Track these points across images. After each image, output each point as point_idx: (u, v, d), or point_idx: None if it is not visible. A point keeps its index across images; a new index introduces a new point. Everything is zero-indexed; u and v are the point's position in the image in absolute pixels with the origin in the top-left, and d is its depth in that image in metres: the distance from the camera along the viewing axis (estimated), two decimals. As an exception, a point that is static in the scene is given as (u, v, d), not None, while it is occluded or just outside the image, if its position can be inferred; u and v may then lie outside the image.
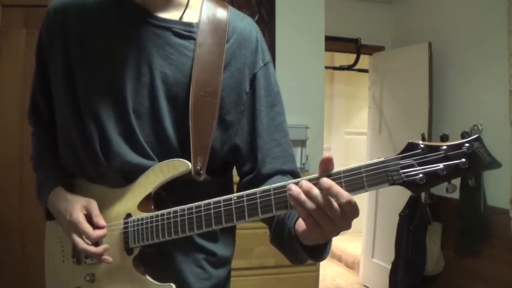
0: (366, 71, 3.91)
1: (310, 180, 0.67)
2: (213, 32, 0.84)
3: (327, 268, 4.24)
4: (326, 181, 0.64)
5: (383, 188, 0.64)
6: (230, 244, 0.94)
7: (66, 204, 0.83)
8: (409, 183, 0.63)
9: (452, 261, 2.97)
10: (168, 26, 0.83)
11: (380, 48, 3.73)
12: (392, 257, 3.18)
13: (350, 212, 0.64)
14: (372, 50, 3.71)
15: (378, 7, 3.64)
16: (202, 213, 0.75)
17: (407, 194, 3.15)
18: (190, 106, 0.80)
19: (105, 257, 0.81)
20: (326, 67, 3.21)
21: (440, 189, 2.77)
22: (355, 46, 3.58)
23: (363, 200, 3.92)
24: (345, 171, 0.65)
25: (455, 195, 2.85)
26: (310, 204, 0.64)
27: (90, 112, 0.81)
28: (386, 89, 3.62)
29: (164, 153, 0.82)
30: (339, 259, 4.51)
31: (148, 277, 0.81)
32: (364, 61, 3.81)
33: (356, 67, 3.80)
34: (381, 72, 3.67)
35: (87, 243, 0.80)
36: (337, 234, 0.68)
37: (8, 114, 2.33)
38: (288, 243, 0.77)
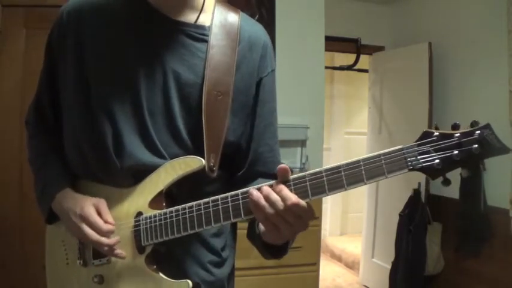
0: (366, 71, 3.91)
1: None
2: (225, 35, 0.86)
3: (327, 268, 4.24)
4: (278, 185, 0.70)
5: (402, 174, 0.68)
6: (232, 245, 0.97)
7: (75, 201, 0.84)
8: (427, 169, 0.66)
9: (452, 261, 2.97)
10: (181, 29, 0.85)
11: (380, 48, 3.73)
12: (392, 257, 3.18)
13: (301, 213, 0.69)
14: (372, 50, 3.71)
15: (378, 7, 3.64)
16: (220, 207, 0.76)
17: (407, 194, 3.15)
18: (203, 105, 0.82)
19: (118, 251, 0.81)
20: (326, 67, 3.21)
21: (440, 189, 2.75)
22: (355, 46, 3.58)
23: (363, 200, 3.92)
24: (364, 160, 0.68)
25: (455, 195, 2.85)
26: (268, 210, 0.70)
27: (103, 112, 0.82)
28: (386, 89, 3.62)
29: (177, 152, 0.83)
30: (339, 259, 4.51)
31: (162, 275, 0.81)
32: (364, 61, 3.80)
33: (356, 67, 3.80)
34: (380, 72, 3.67)
35: (99, 235, 0.80)
36: (294, 235, 0.74)
37: (8, 114, 2.32)
38: (256, 240, 0.82)
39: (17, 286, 2.30)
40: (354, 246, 4.37)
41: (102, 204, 0.83)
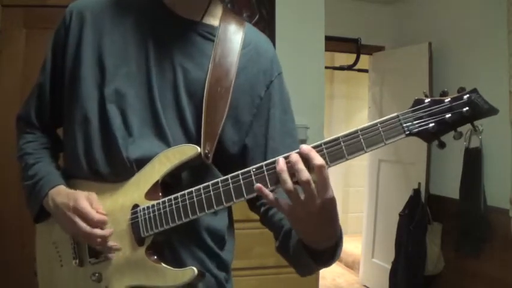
0: (366, 71, 3.91)
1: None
2: (231, 38, 0.91)
3: (327, 268, 4.24)
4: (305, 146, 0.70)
5: (400, 139, 0.70)
6: (232, 249, 0.97)
7: (68, 196, 0.84)
8: (422, 132, 0.70)
9: (452, 261, 2.97)
10: (192, 27, 0.89)
11: (380, 48, 3.73)
12: (392, 257, 3.18)
13: (321, 179, 0.68)
14: (372, 50, 3.71)
15: (378, 7, 3.64)
16: (221, 189, 0.76)
17: (407, 194, 3.15)
18: (205, 95, 0.85)
19: (111, 242, 0.81)
20: (326, 67, 3.20)
21: (440, 189, 2.75)
22: (355, 46, 3.58)
23: (363, 200, 3.92)
24: (361, 129, 0.70)
25: (455, 195, 2.85)
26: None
27: (117, 106, 0.84)
28: (386, 89, 3.62)
29: (183, 142, 0.84)
30: (339, 259, 4.50)
31: (164, 265, 0.81)
32: (364, 61, 3.80)
33: (356, 67, 3.80)
34: (381, 72, 3.67)
35: (92, 227, 0.80)
36: (305, 216, 0.70)
37: (8, 114, 2.32)
38: (294, 251, 0.81)
39: (18, 286, 2.30)
40: (354, 246, 4.38)
41: (93, 196, 0.84)
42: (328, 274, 4.08)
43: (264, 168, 0.73)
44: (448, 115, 0.69)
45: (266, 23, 2.76)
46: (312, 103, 2.86)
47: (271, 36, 2.77)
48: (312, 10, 2.86)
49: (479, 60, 2.85)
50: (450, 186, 2.95)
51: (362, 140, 0.70)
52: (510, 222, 2.56)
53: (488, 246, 2.70)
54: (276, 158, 0.72)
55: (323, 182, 0.68)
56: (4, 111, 2.35)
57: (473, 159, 2.73)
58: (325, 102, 3.09)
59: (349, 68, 3.87)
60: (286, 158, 0.71)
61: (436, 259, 3.01)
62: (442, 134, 0.70)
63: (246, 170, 0.74)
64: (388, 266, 3.22)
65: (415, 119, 0.70)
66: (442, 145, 0.71)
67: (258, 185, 0.71)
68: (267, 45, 0.97)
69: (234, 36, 0.91)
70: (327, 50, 3.00)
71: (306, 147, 0.70)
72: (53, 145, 0.98)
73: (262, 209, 0.91)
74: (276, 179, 0.71)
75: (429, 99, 0.71)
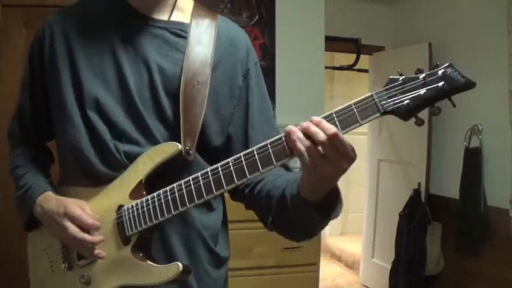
0: (366, 71, 3.91)
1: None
2: (204, 31, 0.91)
3: (327, 268, 4.24)
4: (315, 118, 0.68)
5: (375, 119, 0.70)
6: (227, 245, 0.98)
7: (58, 202, 0.85)
8: (398, 110, 0.69)
9: (452, 261, 2.97)
10: (164, 27, 0.89)
11: (380, 48, 3.73)
12: (392, 257, 3.18)
13: (340, 146, 0.67)
14: (372, 50, 3.71)
15: (378, 7, 3.64)
16: (201, 182, 0.76)
17: (407, 194, 3.15)
18: (181, 92, 0.85)
19: (97, 251, 0.82)
20: (326, 67, 3.21)
21: (440, 189, 2.75)
22: (355, 46, 3.58)
23: (363, 200, 3.92)
24: (336, 112, 0.70)
25: (456, 195, 2.85)
26: (308, 142, 0.67)
27: (98, 111, 0.85)
28: (386, 89, 3.62)
29: (170, 141, 0.85)
30: (339, 259, 4.51)
31: (149, 262, 0.81)
32: (364, 61, 3.80)
33: (356, 67, 3.80)
34: (381, 72, 3.67)
35: (83, 232, 0.81)
36: (334, 177, 0.70)
37: (8, 114, 2.32)
38: (295, 211, 0.77)
39: (18, 286, 2.30)
40: (354, 246, 4.37)
41: (84, 204, 0.85)
42: (328, 274, 4.08)
43: (255, 151, 0.73)
44: (423, 91, 0.68)
45: (266, 23, 2.76)
46: (312, 103, 2.86)
47: (271, 36, 2.77)
48: (312, 10, 2.86)
49: (479, 60, 2.84)
50: (450, 186, 2.95)
51: (337, 122, 0.69)
52: (510, 222, 2.56)
53: (488, 246, 2.70)
54: (266, 142, 0.71)
55: (341, 144, 0.67)
56: (4, 110, 2.35)
57: (473, 159, 2.73)
58: (325, 102, 3.09)
59: (349, 68, 3.87)
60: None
61: (436, 259, 3.01)
62: (418, 110, 0.69)
63: (224, 161, 0.75)
64: (388, 266, 3.22)
65: (390, 97, 0.69)
66: (419, 121, 0.70)
67: (290, 126, 0.69)
68: (241, 36, 0.97)
69: (207, 31, 0.91)
70: (327, 50, 3.00)
71: (317, 118, 0.69)
72: (42, 157, 1.01)
73: (247, 190, 0.90)
74: (266, 161, 0.71)
75: (403, 77, 0.69)
